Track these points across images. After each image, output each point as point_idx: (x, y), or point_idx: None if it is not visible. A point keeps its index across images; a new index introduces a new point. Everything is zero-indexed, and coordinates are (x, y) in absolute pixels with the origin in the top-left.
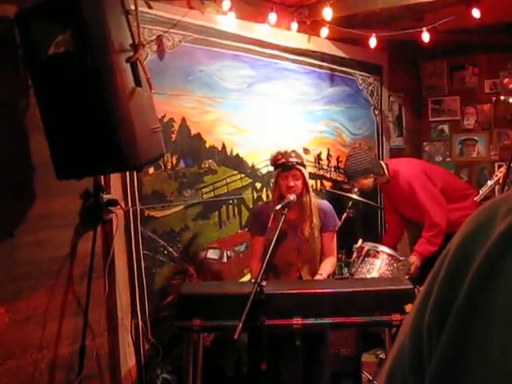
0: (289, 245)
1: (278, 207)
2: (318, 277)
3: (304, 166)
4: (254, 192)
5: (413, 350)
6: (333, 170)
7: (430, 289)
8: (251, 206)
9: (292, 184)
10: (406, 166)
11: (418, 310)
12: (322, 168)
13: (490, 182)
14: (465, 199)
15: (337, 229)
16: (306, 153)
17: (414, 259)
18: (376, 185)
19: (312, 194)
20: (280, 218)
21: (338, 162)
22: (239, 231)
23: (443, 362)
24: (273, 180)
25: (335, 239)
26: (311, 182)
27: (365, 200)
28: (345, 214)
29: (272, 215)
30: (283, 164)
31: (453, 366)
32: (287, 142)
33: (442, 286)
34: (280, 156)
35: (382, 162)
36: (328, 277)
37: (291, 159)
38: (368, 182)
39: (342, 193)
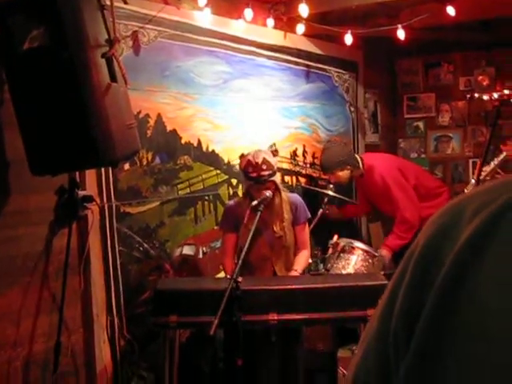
0: (262, 241)
1: (255, 203)
2: (293, 273)
3: (275, 172)
4: (230, 188)
5: (379, 355)
6: (308, 166)
7: (396, 289)
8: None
9: (265, 194)
10: (380, 160)
11: (385, 311)
12: (298, 164)
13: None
14: (437, 197)
15: (307, 220)
16: (274, 155)
17: (384, 253)
18: (351, 179)
19: (283, 191)
20: (255, 215)
21: (314, 158)
22: (215, 227)
23: (412, 373)
24: (243, 182)
25: (307, 230)
26: (287, 179)
27: (340, 196)
28: (320, 211)
29: (248, 211)
30: (255, 179)
31: (424, 374)
32: (263, 138)
33: (409, 290)
34: (251, 169)
35: (357, 156)
36: (303, 271)
37: (263, 173)
38: (344, 174)
39: (318, 189)
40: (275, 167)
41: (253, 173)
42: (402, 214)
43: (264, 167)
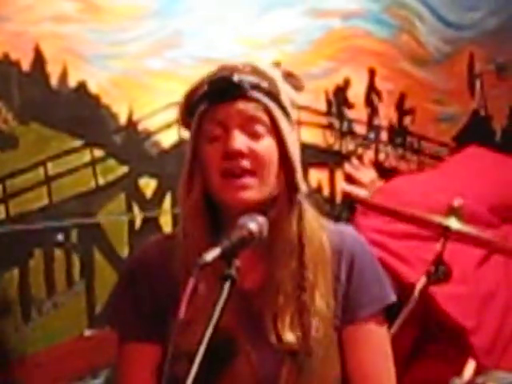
0: (241, 366)
1: (209, 257)
2: None
3: (279, 104)
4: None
5: None
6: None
7: None
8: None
9: (240, 147)
10: None
11: None
12: (350, 129)
13: None
14: None
15: (385, 309)
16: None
17: None
18: None
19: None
20: (218, 287)
21: (402, 111)
22: (85, 332)
23: None
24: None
25: (383, 340)
26: (315, 176)
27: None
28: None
29: (191, 282)
30: (214, 92)
31: None
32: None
33: None
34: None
35: None
36: None
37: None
38: None
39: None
40: (286, 101)
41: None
42: None
43: (247, 68)
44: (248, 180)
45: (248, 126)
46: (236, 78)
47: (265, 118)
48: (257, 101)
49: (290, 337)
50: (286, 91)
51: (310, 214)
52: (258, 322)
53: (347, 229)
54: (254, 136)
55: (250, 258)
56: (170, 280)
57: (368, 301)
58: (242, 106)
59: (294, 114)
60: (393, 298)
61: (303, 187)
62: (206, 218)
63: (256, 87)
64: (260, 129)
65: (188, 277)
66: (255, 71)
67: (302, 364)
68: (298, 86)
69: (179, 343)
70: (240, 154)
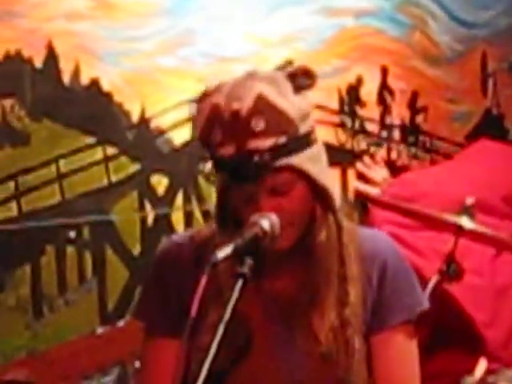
0: (262, 366)
1: (221, 255)
2: None
3: (306, 143)
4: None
5: None
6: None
7: None
8: None
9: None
10: None
11: None
12: (362, 128)
13: None
14: None
15: (416, 316)
16: (302, 87)
17: None
18: None
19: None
20: (231, 286)
21: (414, 109)
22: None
23: None
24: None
25: (412, 348)
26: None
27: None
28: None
29: (203, 280)
30: (235, 164)
31: None
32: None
33: None
34: (220, 134)
35: None
36: None
37: (256, 144)
38: None
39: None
40: (301, 126)
41: (226, 145)
42: None
43: (259, 126)
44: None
45: (276, 189)
46: (256, 158)
47: (290, 174)
48: (281, 168)
49: (323, 336)
50: (300, 109)
51: (347, 228)
52: (286, 321)
53: (380, 234)
54: (283, 194)
55: (287, 261)
56: (198, 277)
57: (399, 308)
58: (268, 180)
59: (309, 124)
60: (425, 305)
61: (341, 207)
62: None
63: (274, 152)
64: (288, 186)
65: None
66: (266, 113)
67: (334, 366)
68: (309, 85)
69: (196, 340)
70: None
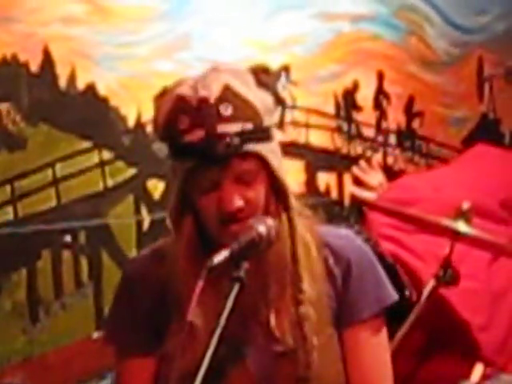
0: (222, 367)
1: (217, 260)
2: None
3: (269, 135)
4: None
5: None
6: (394, 141)
7: None
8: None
9: (237, 206)
10: None
11: None
12: (359, 133)
13: None
14: None
15: (384, 312)
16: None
17: None
18: None
19: (296, 211)
20: (224, 292)
21: (411, 114)
22: (93, 334)
23: None
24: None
25: (382, 341)
26: (323, 178)
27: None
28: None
29: (199, 285)
30: (200, 146)
31: None
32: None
33: None
34: (187, 122)
35: None
36: None
37: (226, 129)
38: None
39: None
40: (265, 118)
41: (194, 130)
42: None
43: (227, 112)
44: (245, 223)
45: (241, 177)
46: (226, 141)
47: (255, 162)
48: (247, 153)
49: (280, 332)
50: (263, 103)
51: (303, 228)
52: (253, 325)
53: (345, 233)
54: (247, 184)
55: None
56: (163, 290)
57: (366, 304)
58: (234, 164)
59: (271, 120)
60: (392, 298)
61: (295, 204)
62: (197, 233)
63: (242, 137)
64: (252, 175)
65: (180, 284)
66: (232, 101)
67: (295, 362)
68: (268, 83)
69: (187, 347)
70: (238, 211)
